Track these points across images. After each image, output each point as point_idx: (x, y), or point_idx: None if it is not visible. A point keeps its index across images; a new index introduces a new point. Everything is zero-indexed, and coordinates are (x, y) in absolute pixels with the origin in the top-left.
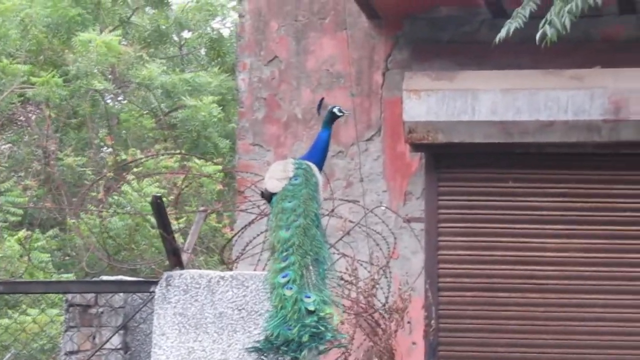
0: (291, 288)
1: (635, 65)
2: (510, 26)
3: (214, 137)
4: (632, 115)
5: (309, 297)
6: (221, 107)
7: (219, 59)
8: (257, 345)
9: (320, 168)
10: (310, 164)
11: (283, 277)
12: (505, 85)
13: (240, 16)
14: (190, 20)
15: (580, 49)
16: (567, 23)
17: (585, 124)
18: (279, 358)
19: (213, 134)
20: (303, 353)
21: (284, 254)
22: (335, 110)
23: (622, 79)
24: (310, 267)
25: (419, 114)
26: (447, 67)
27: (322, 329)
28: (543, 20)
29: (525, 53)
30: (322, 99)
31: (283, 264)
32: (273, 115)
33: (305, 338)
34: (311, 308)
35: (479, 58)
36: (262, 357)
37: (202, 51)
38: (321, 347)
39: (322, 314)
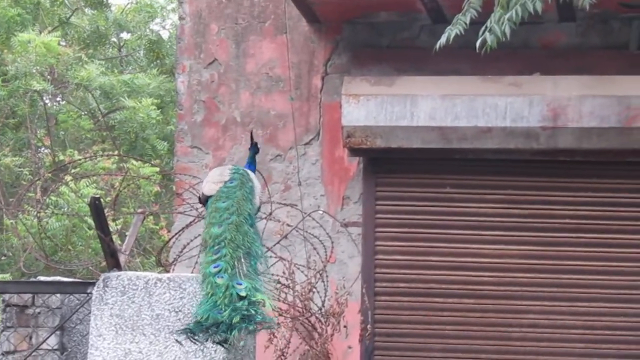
0: (222, 277)
1: (574, 73)
2: (451, 33)
3: (152, 139)
4: (570, 123)
5: (241, 284)
6: (160, 109)
7: (158, 61)
8: (188, 326)
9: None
10: (248, 170)
11: (215, 267)
12: (444, 91)
13: (180, 18)
14: (130, 22)
15: (519, 56)
16: (507, 30)
17: (524, 131)
18: (209, 339)
19: (151, 135)
20: (233, 333)
21: (216, 247)
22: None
23: (560, 86)
24: (242, 260)
25: (358, 119)
26: (387, 72)
27: (253, 312)
28: (483, 27)
29: (465, 59)
30: (252, 131)
31: (215, 256)
32: (212, 118)
33: (236, 319)
34: (242, 294)
35: (418, 63)
36: (192, 338)
37: (141, 53)
38: (251, 328)
39: (253, 299)
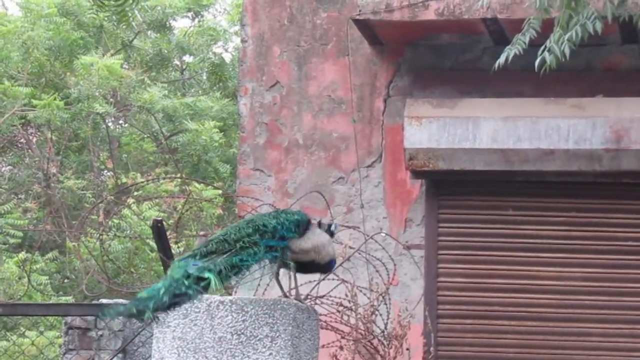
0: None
1: (636, 95)
2: (510, 52)
3: (215, 162)
4: (633, 145)
5: (196, 265)
6: (222, 132)
7: (221, 84)
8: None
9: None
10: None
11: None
12: (506, 113)
13: (243, 41)
14: (192, 45)
15: (582, 78)
16: (567, 51)
17: (587, 153)
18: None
19: (214, 158)
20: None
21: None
22: (332, 228)
23: (623, 108)
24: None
25: (420, 141)
26: (449, 95)
27: (187, 290)
28: (542, 47)
29: (527, 81)
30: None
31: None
32: (274, 140)
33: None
34: (190, 271)
35: (480, 85)
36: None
37: (204, 75)
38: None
39: (196, 275)
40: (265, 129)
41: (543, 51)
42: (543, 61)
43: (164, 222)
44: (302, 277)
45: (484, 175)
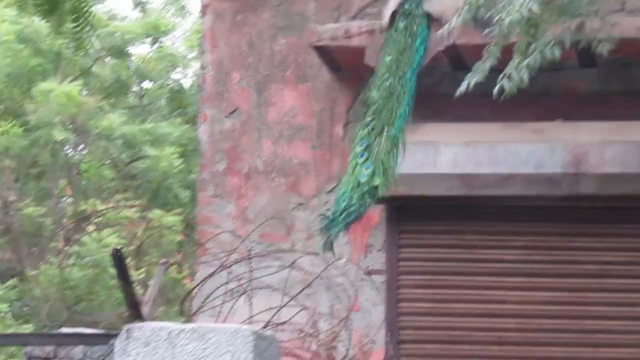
0: (362, 155)
1: (595, 119)
2: (471, 80)
3: (175, 188)
4: (592, 169)
5: (368, 168)
6: (182, 158)
7: (180, 110)
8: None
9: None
10: None
11: (361, 145)
12: (466, 138)
13: (202, 68)
14: (151, 71)
15: (540, 102)
16: (526, 77)
17: (546, 177)
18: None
19: (174, 184)
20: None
21: (368, 119)
22: None
23: (582, 133)
24: (384, 133)
25: None
26: (409, 120)
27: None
28: (502, 75)
29: (486, 106)
30: None
31: (364, 131)
32: (234, 167)
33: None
34: (362, 180)
35: (440, 110)
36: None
37: (163, 101)
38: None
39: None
40: (225, 156)
41: (502, 78)
42: (502, 88)
43: (124, 249)
44: (263, 304)
45: (445, 200)
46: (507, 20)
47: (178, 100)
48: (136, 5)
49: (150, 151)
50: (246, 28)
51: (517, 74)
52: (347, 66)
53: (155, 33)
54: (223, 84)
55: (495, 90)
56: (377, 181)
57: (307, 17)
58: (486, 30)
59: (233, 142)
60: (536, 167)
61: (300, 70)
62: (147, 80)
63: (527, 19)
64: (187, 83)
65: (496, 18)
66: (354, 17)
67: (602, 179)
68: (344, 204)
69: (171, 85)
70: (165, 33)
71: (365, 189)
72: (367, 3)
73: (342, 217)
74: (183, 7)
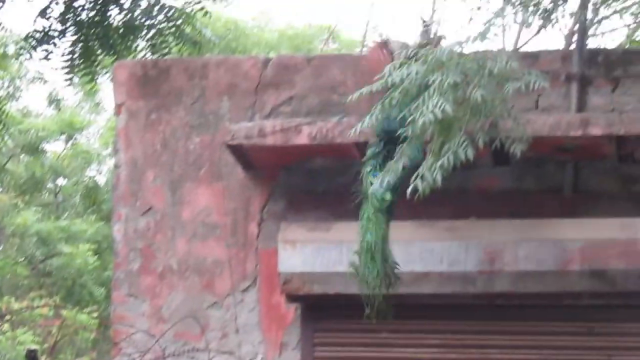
0: None
1: (509, 217)
2: (384, 179)
3: (90, 285)
4: (506, 267)
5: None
6: (97, 255)
7: (95, 207)
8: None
9: None
10: None
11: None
12: None
13: (116, 166)
14: (66, 168)
15: (454, 200)
16: (439, 178)
17: (460, 275)
18: None
19: (89, 281)
20: None
21: None
22: None
23: (496, 231)
24: None
25: (295, 265)
26: (323, 218)
27: None
28: (415, 175)
29: (400, 204)
30: None
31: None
32: (148, 266)
33: None
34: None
35: (354, 209)
36: None
37: (78, 198)
38: None
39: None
40: (140, 255)
41: (415, 178)
42: (415, 188)
43: (38, 346)
44: None
45: (359, 299)
46: (420, 121)
47: (93, 197)
48: (51, 102)
49: (65, 248)
50: (160, 127)
51: (430, 174)
52: (261, 165)
53: (70, 130)
54: (137, 182)
55: (409, 190)
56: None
57: (222, 115)
58: (399, 131)
59: (147, 241)
60: (451, 265)
61: (215, 168)
62: (61, 177)
63: (440, 119)
64: (101, 180)
65: (409, 119)
66: (268, 116)
67: (516, 276)
68: None
69: (86, 182)
70: (80, 130)
71: None
72: (281, 102)
73: None
74: (98, 104)
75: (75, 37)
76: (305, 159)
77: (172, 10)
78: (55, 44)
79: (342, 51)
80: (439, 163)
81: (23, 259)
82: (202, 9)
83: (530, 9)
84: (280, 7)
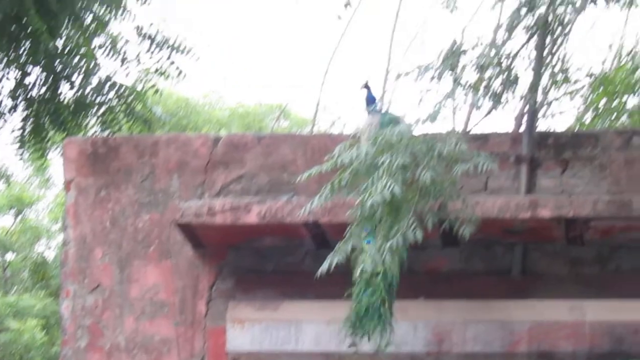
0: None
1: (457, 298)
2: (332, 260)
3: None
4: (454, 348)
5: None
6: (45, 331)
7: (44, 282)
8: None
9: None
10: None
11: None
12: (328, 316)
13: (65, 243)
14: (15, 243)
15: (403, 281)
16: (388, 259)
17: (408, 356)
18: None
19: (36, 357)
20: None
21: None
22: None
23: (444, 312)
24: None
25: (243, 344)
26: (271, 297)
27: None
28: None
29: (349, 283)
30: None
31: None
32: (96, 343)
33: None
34: None
35: (302, 288)
36: None
37: (26, 274)
38: None
39: None
40: (87, 332)
41: (364, 259)
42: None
43: None
44: None
45: None
46: (369, 202)
47: (41, 273)
48: (0, 177)
49: (13, 324)
50: (109, 204)
51: (379, 255)
52: (210, 243)
53: (19, 205)
54: (85, 259)
55: (358, 271)
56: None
57: (171, 193)
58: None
59: (95, 319)
60: (399, 346)
61: (163, 246)
62: (10, 252)
63: (389, 201)
64: (50, 255)
65: (359, 200)
66: (218, 195)
67: (464, 357)
68: None
69: (34, 258)
70: (29, 205)
71: None
72: (231, 180)
73: None
74: (47, 179)
75: (25, 113)
76: (255, 238)
77: (123, 88)
78: (5, 120)
79: (293, 129)
80: (388, 244)
81: None
82: (153, 86)
83: (480, 91)
84: (231, 85)
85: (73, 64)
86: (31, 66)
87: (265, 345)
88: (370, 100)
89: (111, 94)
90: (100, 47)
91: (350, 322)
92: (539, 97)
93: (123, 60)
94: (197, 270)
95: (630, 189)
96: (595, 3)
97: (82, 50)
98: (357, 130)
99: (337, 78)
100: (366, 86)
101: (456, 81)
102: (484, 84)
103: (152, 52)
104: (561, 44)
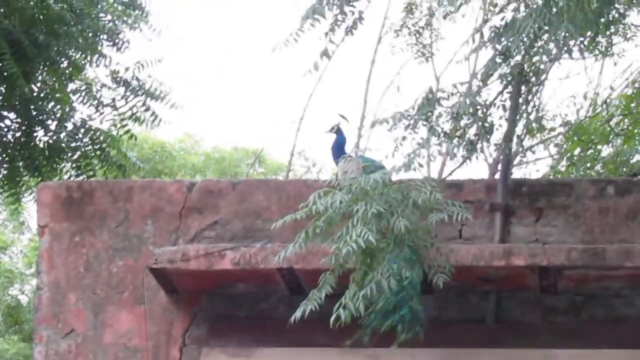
0: None
1: (431, 346)
2: (306, 307)
3: None
4: None
5: None
6: None
7: (17, 326)
8: None
9: None
10: None
11: None
12: None
13: (38, 288)
14: None
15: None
16: (361, 308)
17: None
18: None
19: None
20: None
21: None
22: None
23: (419, 358)
24: None
25: None
26: (245, 344)
27: None
28: (338, 304)
29: (323, 331)
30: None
31: None
32: None
33: None
34: None
35: (276, 335)
36: None
37: (0, 318)
38: None
39: None
40: None
41: (338, 307)
42: (338, 317)
43: None
44: None
45: None
46: (344, 250)
47: (15, 317)
48: None
49: None
50: (84, 249)
51: (353, 304)
52: (184, 289)
53: None
54: (59, 305)
55: (332, 319)
56: None
57: (145, 239)
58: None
59: None
60: None
61: (137, 292)
62: None
63: (363, 249)
64: (24, 299)
65: (332, 248)
66: (192, 240)
67: None
68: None
69: (8, 302)
70: (3, 249)
71: None
72: (206, 226)
73: None
74: (22, 223)
75: (0, 158)
76: (229, 284)
77: (98, 133)
78: None
79: (269, 175)
80: (362, 292)
81: None
82: (128, 132)
83: (455, 140)
84: (207, 130)
85: (48, 108)
86: (6, 111)
87: None
88: (341, 144)
89: (86, 139)
90: (75, 92)
91: None
92: (514, 146)
93: (98, 105)
94: (171, 316)
95: (603, 238)
96: (570, 54)
97: (57, 95)
98: (334, 179)
99: (313, 123)
100: (336, 130)
101: (431, 130)
102: (458, 132)
103: (127, 98)
104: (536, 92)
